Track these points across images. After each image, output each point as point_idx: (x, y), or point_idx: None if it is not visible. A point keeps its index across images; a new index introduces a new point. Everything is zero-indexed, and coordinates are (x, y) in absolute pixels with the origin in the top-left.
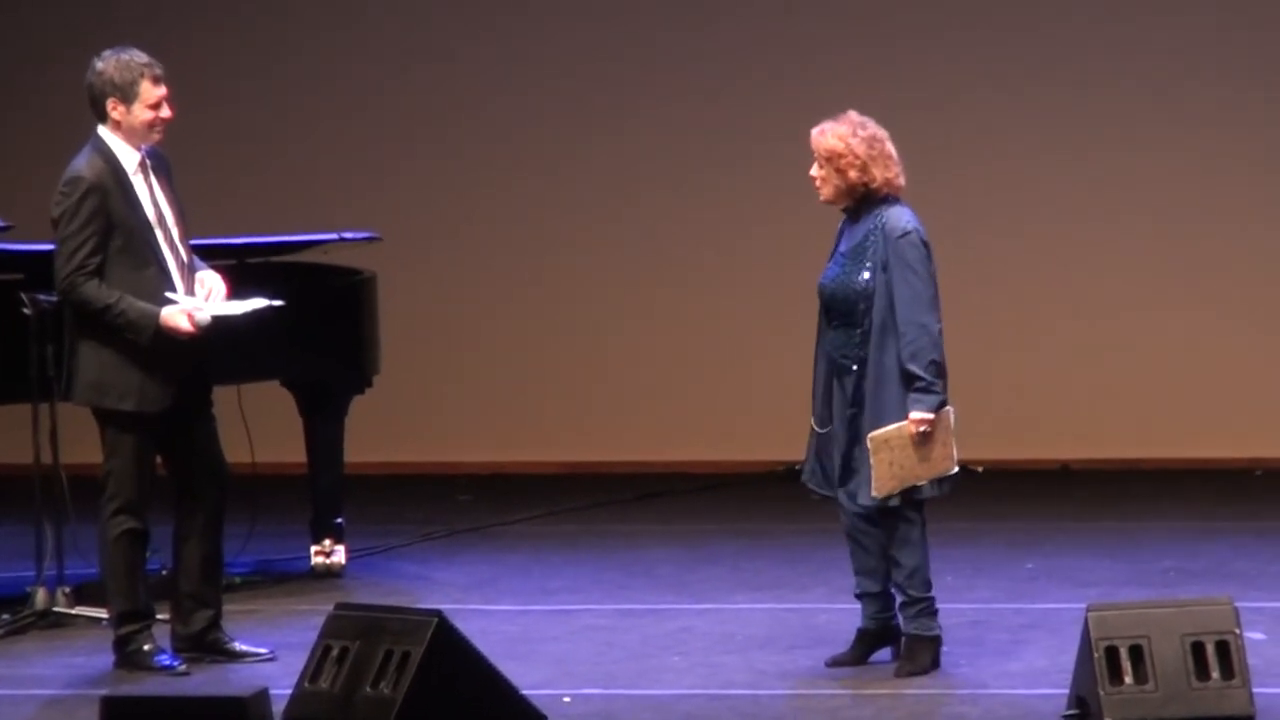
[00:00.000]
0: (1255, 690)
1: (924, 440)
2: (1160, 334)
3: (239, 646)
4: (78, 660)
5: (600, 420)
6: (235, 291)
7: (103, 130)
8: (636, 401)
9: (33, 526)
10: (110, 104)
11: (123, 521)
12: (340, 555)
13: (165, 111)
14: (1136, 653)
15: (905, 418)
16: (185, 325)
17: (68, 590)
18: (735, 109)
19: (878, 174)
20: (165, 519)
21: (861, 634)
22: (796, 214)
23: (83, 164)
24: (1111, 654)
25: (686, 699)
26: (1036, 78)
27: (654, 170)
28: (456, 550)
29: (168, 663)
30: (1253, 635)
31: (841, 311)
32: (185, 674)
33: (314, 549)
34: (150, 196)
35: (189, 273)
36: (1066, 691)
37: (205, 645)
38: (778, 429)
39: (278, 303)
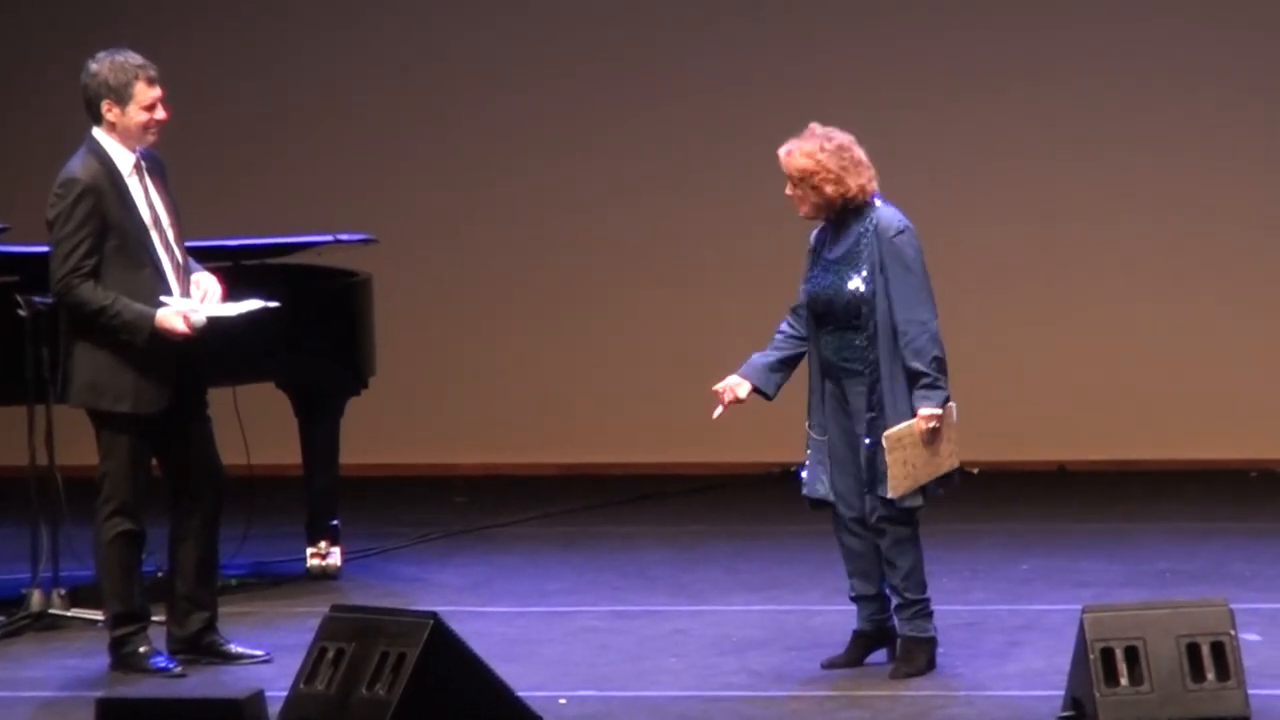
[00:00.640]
0: (1250, 692)
1: (933, 437)
2: (1156, 336)
3: (234, 648)
4: (73, 662)
5: (596, 422)
6: (231, 293)
7: (97, 132)
8: (632, 403)
9: (28, 528)
10: (105, 105)
11: (118, 523)
12: (336, 557)
13: (160, 113)
14: (1132, 654)
15: (912, 416)
16: (180, 327)
17: (63, 592)
18: (734, 109)
19: (852, 183)
20: (161, 521)
21: (857, 636)
22: (793, 216)
23: (78, 166)
24: (1107, 655)
25: (682, 701)
26: (1033, 77)
27: (649, 172)
28: (452, 552)
29: (163, 665)
30: (1248, 637)
31: (838, 317)
32: (181, 676)
33: (309, 551)
34: (145, 198)
35: (184, 274)
36: (1062, 693)
37: (201, 647)
38: (773, 431)
39: (273, 304)
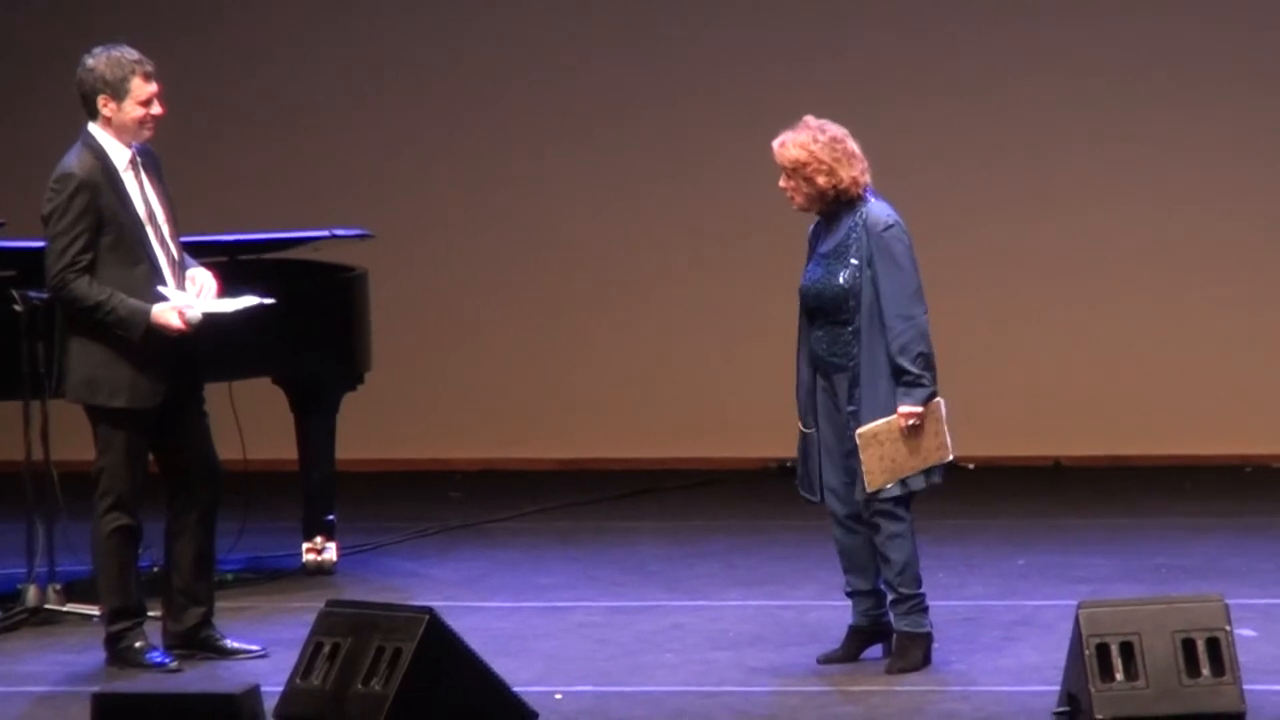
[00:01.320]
0: (1246, 687)
1: (913, 433)
2: (1152, 331)
3: (231, 643)
4: (69, 657)
5: (592, 417)
6: (226, 288)
7: (93, 127)
8: (628, 398)
9: (24, 523)
10: (101, 101)
11: (115, 518)
12: (332, 552)
13: (156, 108)
14: (1127, 649)
15: (892, 412)
16: (176, 323)
17: (59, 587)
18: (731, 107)
19: (845, 175)
20: (158, 516)
21: (853, 631)
22: (789, 211)
23: (73, 161)
24: (1102, 651)
25: (678, 696)
26: (1032, 73)
27: (646, 168)
28: (448, 547)
29: (159, 660)
30: (1243, 632)
31: (828, 311)
32: (177, 671)
33: (305, 546)
34: (141, 193)
35: (180, 269)
36: (1058, 688)
37: (197, 642)
38: (769, 425)
39: (268, 300)
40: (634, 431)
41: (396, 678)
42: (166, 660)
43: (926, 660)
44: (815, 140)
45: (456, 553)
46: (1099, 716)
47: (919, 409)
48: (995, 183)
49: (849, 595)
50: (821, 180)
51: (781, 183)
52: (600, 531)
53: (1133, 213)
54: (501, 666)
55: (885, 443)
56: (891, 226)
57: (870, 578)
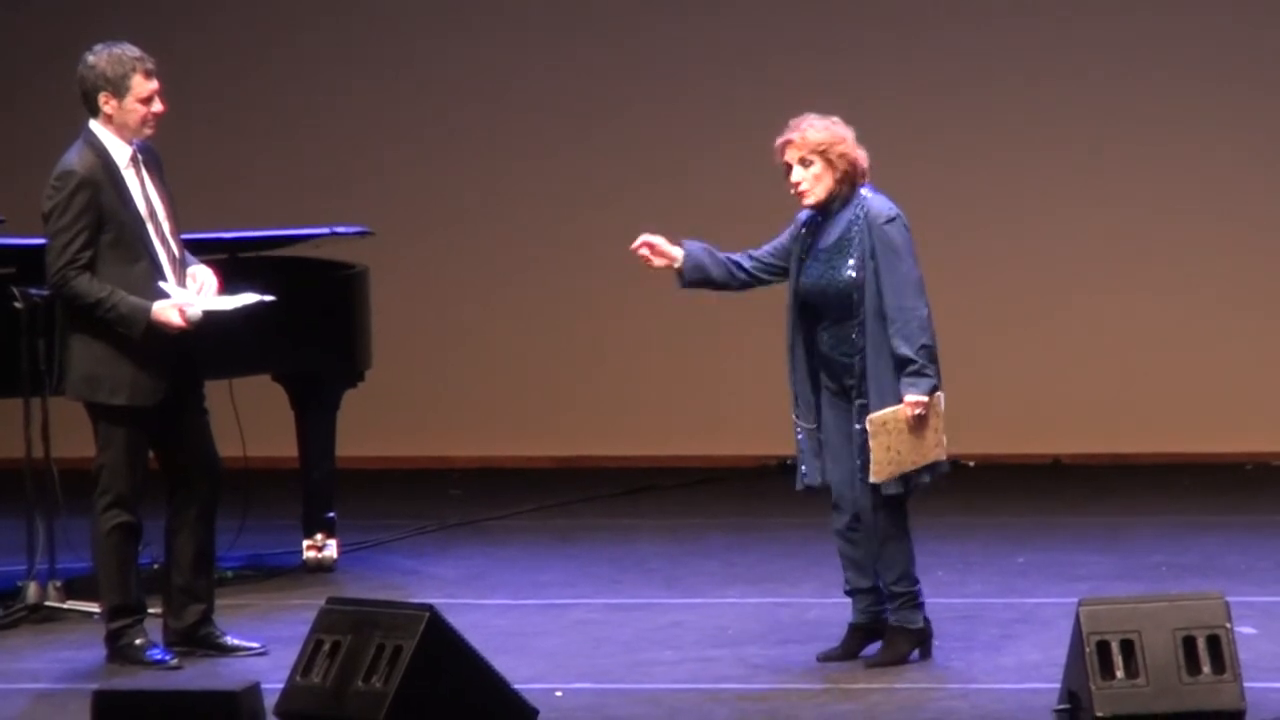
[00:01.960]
0: (1246, 685)
1: (919, 424)
2: (1152, 329)
3: (231, 641)
4: (69, 654)
5: (591, 415)
6: (227, 285)
7: (94, 124)
8: (628, 396)
9: (24, 520)
10: (102, 98)
11: (115, 516)
12: (332, 549)
13: (157, 106)
14: (1128, 647)
15: (899, 403)
16: (176, 320)
17: (59, 585)
18: (729, 105)
19: (860, 159)
20: (158, 513)
21: (853, 629)
22: (788, 210)
23: (74, 158)
24: (1103, 648)
25: (677, 693)
26: (1029, 73)
27: (645, 165)
28: (448, 545)
29: (159, 657)
30: (1243, 630)
31: (832, 307)
32: (177, 668)
33: (306, 543)
34: (142, 191)
35: (180, 267)
36: (1058, 686)
37: (197, 639)
38: (769, 423)
39: (269, 298)
40: (633, 429)
41: (397, 675)
42: (167, 657)
43: (925, 655)
44: (831, 124)
45: (456, 550)
46: (1099, 714)
47: (925, 398)
48: (995, 180)
49: (848, 593)
50: (845, 164)
51: (795, 176)
52: (599, 529)
53: (1133, 210)
54: (501, 664)
55: (892, 432)
56: (894, 219)
57: (870, 575)
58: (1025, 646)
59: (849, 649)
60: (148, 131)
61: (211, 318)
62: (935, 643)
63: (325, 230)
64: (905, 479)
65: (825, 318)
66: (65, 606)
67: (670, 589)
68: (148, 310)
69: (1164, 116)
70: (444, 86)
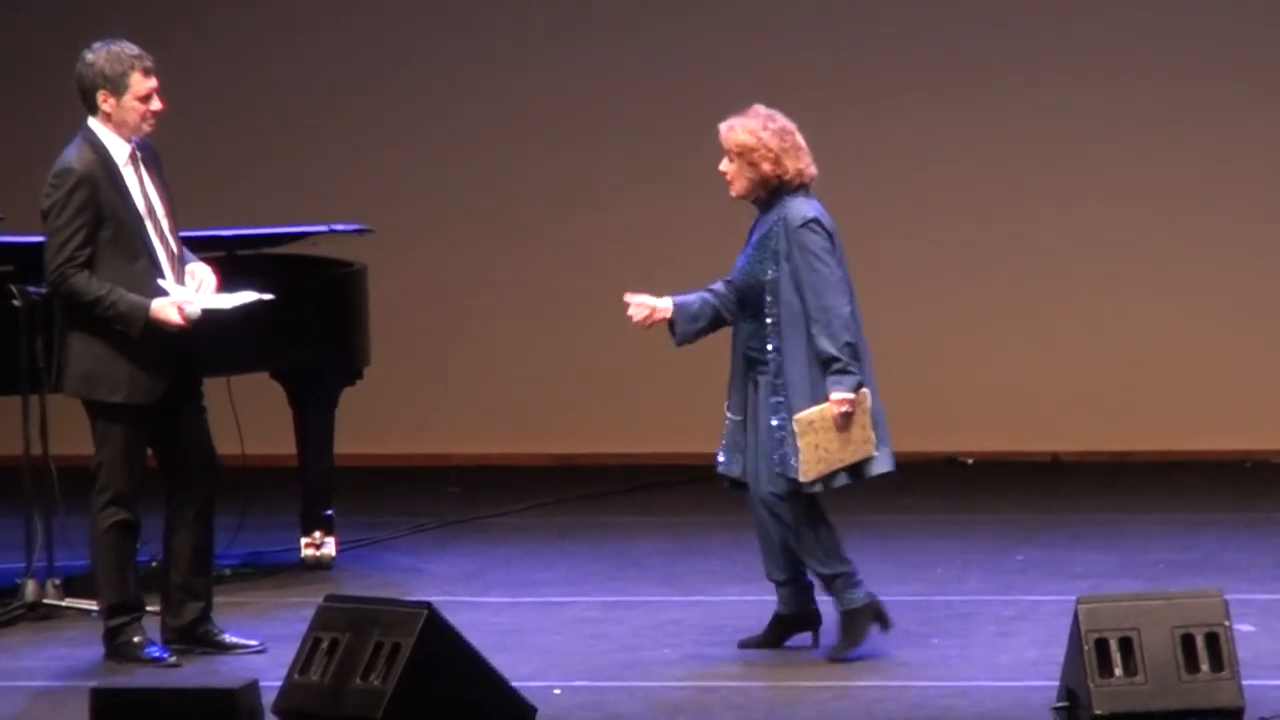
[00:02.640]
0: (1244, 682)
1: (845, 422)
2: (1151, 327)
3: (229, 638)
4: (67, 652)
5: (590, 412)
6: (225, 283)
7: (93, 122)
8: (627, 393)
9: (23, 518)
10: (101, 96)
11: (113, 513)
12: (330, 547)
13: (156, 103)
14: (1126, 645)
15: (820, 402)
16: (175, 318)
17: (57, 582)
18: (729, 105)
19: (790, 165)
20: (156, 511)
21: (776, 618)
22: None
23: (73, 156)
24: (1101, 646)
25: (676, 691)
26: (1024, 68)
27: (642, 163)
28: (447, 542)
29: (158, 654)
30: (1242, 628)
31: (750, 303)
32: (175, 666)
33: (304, 541)
34: (140, 188)
35: (179, 264)
36: (1055, 683)
37: (195, 637)
38: None
39: (267, 296)
40: (632, 427)
41: (395, 673)
42: (165, 655)
43: (885, 625)
44: (765, 127)
45: (455, 548)
46: (1098, 711)
47: (851, 396)
48: (994, 179)
49: (771, 582)
50: (766, 167)
51: (722, 166)
52: (598, 527)
53: (1132, 208)
54: (499, 662)
55: (819, 430)
56: (809, 222)
57: (785, 567)
58: (1024, 644)
59: (769, 638)
60: (146, 129)
61: (210, 315)
62: (934, 640)
63: (324, 228)
64: (828, 480)
65: (746, 311)
66: (63, 604)
67: (669, 587)
68: (146, 308)
69: (1164, 116)
70: (444, 86)
